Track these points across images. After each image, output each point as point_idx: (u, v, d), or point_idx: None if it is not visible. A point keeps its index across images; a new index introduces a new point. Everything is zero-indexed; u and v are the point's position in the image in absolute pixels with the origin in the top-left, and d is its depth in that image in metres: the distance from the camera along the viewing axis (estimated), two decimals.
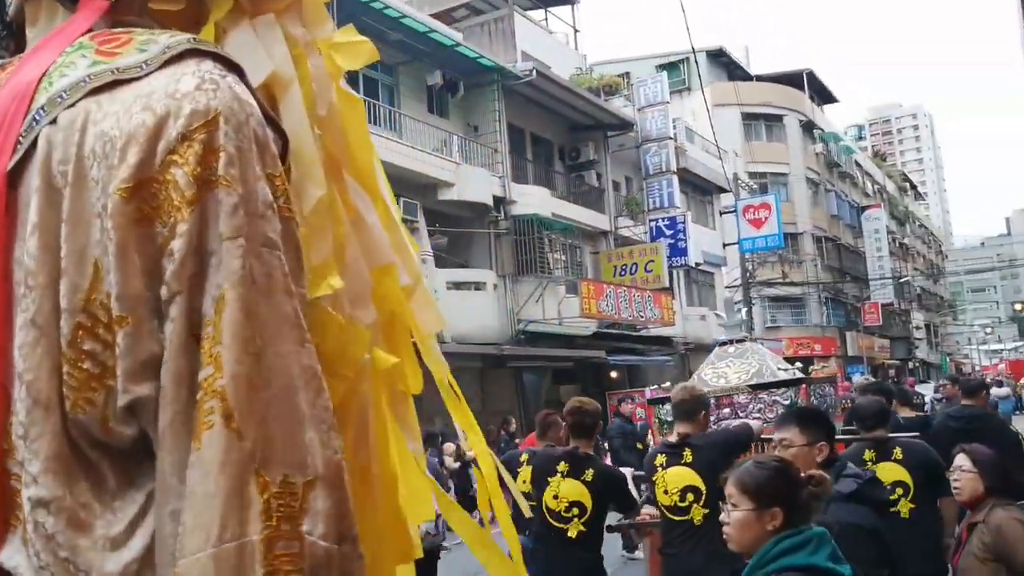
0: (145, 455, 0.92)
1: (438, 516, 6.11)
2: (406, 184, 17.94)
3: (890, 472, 4.75)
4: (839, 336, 39.83)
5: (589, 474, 4.65)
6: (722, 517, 2.44)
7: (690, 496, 4.31)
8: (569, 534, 4.61)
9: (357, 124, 1.35)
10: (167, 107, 0.90)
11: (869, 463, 4.74)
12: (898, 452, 4.83)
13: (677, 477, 4.37)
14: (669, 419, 5.48)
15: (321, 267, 1.13)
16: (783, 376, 6.73)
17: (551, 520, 4.65)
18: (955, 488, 3.86)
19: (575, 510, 4.61)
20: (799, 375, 6.98)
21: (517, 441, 14.87)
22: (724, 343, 7.55)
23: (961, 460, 3.85)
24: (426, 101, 19.97)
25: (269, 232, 0.92)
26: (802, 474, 2.44)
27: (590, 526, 4.62)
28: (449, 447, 14.38)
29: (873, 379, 20.97)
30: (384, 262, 1.32)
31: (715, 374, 6.98)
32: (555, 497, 4.65)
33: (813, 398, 6.75)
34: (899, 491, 4.69)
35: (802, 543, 2.24)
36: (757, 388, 6.56)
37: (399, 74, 19.27)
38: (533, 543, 4.89)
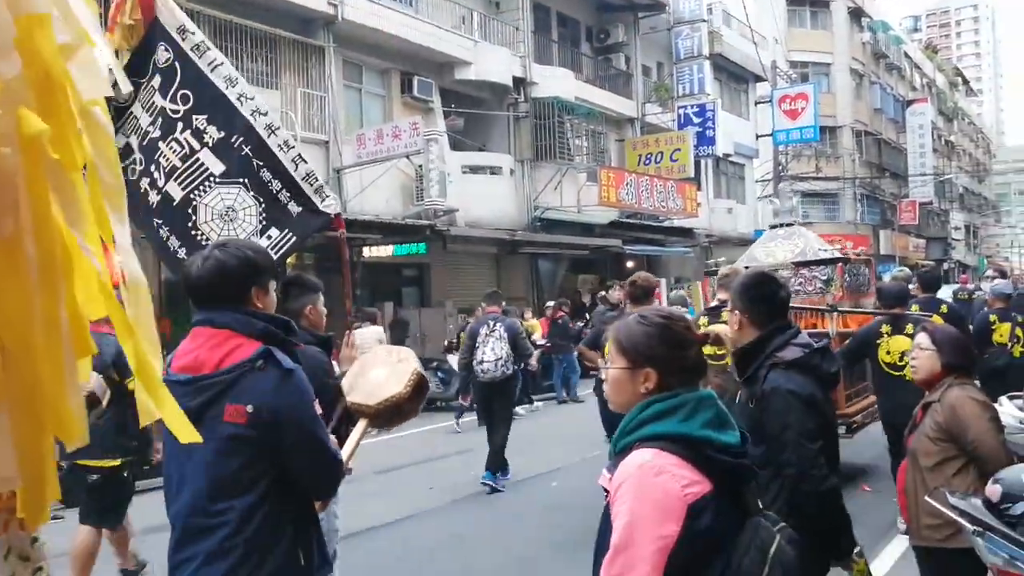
0: None
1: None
2: (421, 61, 17.38)
3: (902, 343, 5.76)
4: (872, 234, 38.93)
5: None
6: (600, 374, 2.20)
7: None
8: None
9: None
10: None
11: (885, 335, 5.94)
12: (910, 328, 5.71)
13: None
14: None
15: None
16: (823, 256, 7.98)
17: None
18: (912, 367, 3.62)
19: None
20: (837, 255, 8.07)
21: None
22: (775, 227, 8.99)
23: (921, 339, 3.61)
24: None
25: None
26: (699, 332, 2.17)
27: None
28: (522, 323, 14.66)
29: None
30: (33, 11, 1.16)
31: (765, 252, 8.20)
32: None
33: (847, 276, 8.00)
34: (906, 359, 5.25)
35: (673, 408, 1.94)
36: (800, 265, 7.78)
37: None
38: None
